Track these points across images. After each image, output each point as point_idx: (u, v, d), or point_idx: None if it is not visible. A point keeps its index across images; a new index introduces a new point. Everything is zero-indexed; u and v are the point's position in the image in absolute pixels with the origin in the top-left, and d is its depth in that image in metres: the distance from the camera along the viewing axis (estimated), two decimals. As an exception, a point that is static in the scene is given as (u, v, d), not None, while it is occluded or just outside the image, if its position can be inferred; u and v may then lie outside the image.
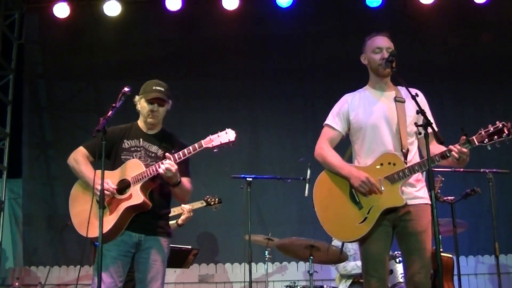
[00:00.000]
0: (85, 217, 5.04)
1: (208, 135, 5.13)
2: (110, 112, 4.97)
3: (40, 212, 10.25)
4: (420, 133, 4.57)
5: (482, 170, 7.21)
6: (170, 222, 6.37)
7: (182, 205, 7.26)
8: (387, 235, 4.90)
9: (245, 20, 10.32)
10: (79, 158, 5.39)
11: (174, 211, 7.19)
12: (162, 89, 5.42)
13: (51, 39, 10.79)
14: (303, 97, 9.84)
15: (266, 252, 7.67)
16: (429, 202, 4.84)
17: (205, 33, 10.43)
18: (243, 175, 7.43)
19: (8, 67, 10.54)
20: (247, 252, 7.21)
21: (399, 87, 5.14)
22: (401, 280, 6.90)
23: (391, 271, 6.78)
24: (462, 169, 6.91)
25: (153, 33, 10.60)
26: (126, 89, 5.05)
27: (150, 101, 5.37)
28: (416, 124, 4.58)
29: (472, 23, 9.99)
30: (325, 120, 5.27)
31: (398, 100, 5.02)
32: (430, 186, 4.36)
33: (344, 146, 5.34)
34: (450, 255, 7.08)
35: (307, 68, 10.00)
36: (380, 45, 5.06)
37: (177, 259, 7.48)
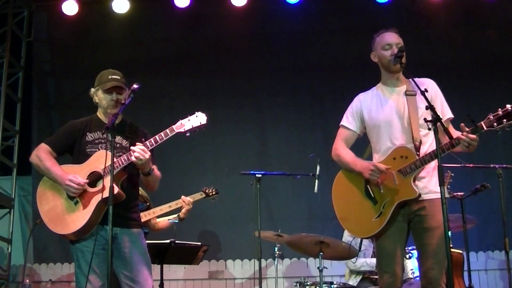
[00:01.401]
0: (56, 213, 5.05)
1: (178, 119, 5.13)
2: (119, 110, 4.99)
3: (50, 209, 10.24)
4: (429, 129, 4.57)
5: (491, 165, 7.21)
6: (172, 217, 6.39)
7: (182, 197, 7.25)
8: (402, 231, 4.96)
9: (253, 17, 10.31)
10: (42, 155, 5.31)
11: (176, 204, 7.22)
12: (118, 77, 5.41)
13: (60, 36, 10.79)
14: (311, 94, 9.82)
15: (276, 248, 7.66)
16: None
17: (213, 31, 10.42)
18: (252, 172, 7.44)
19: (17, 65, 10.57)
20: (256, 249, 7.21)
21: (410, 80, 5.14)
22: (411, 276, 6.89)
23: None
24: (471, 165, 6.91)
25: (161, 30, 10.60)
26: (135, 86, 5.05)
27: (108, 91, 5.35)
28: (425, 120, 4.59)
29: (480, 20, 9.96)
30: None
31: (409, 94, 5.08)
32: (440, 182, 4.38)
33: (361, 146, 5.36)
34: (460, 251, 7.07)
35: (315, 65, 9.98)
36: (390, 41, 5.09)
37: (187, 256, 7.50)
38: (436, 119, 4.46)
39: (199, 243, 7.56)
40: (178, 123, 5.11)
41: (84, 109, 10.28)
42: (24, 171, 10.47)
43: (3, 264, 9.91)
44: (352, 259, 7.50)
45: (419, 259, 4.94)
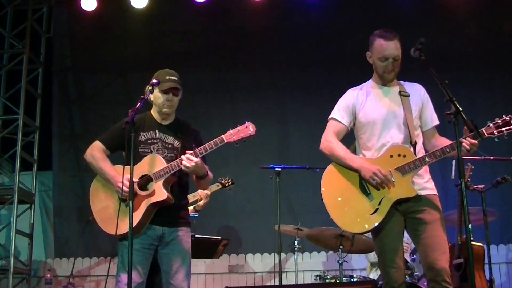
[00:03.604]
0: (108, 213, 5.11)
1: (229, 129, 5.15)
2: (139, 104, 5.01)
3: (70, 204, 10.32)
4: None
5: (512, 158, 7.17)
6: (190, 208, 6.41)
7: (199, 191, 7.25)
8: (400, 225, 4.95)
9: (273, 10, 10.29)
10: (96, 154, 5.40)
11: (193, 196, 7.23)
12: (176, 78, 5.42)
13: (79, 32, 10.84)
14: (331, 87, 9.75)
15: (296, 242, 7.68)
16: (437, 193, 4.99)
17: (232, 24, 10.43)
18: (272, 165, 7.44)
19: (37, 61, 10.61)
20: (276, 242, 7.22)
21: (401, 82, 5.21)
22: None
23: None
24: (492, 157, 6.88)
25: (180, 24, 10.61)
26: (154, 81, 5.14)
27: (165, 91, 5.35)
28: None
29: (501, 10, 9.86)
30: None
31: (403, 95, 5.09)
32: (460, 175, 4.38)
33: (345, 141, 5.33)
34: (481, 244, 7.03)
35: (336, 58, 9.94)
36: (387, 54, 5.03)
37: (207, 250, 7.51)
38: (456, 111, 4.45)
39: (219, 237, 7.57)
40: (228, 133, 5.13)
41: (104, 103, 10.49)
42: (44, 167, 10.54)
43: (24, 258, 9.97)
44: (371, 253, 7.50)
45: (420, 253, 4.88)
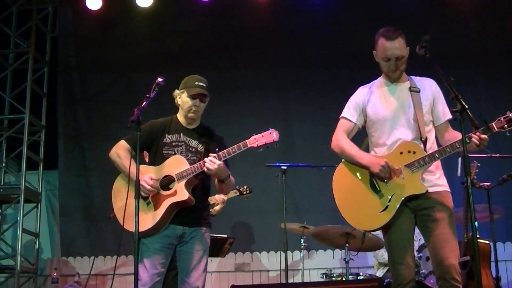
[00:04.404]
0: (128, 211, 5.12)
1: (253, 135, 5.23)
2: (145, 103, 5.05)
3: (76, 203, 10.34)
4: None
5: (519, 155, 7.16)
6: None
7: (216, 196, 7.28)
8: (410, 222, 4.95)
9: (277, 9, 10.29)
10: (121, 153, 5.46)
11: (210, 200, 7.23)
12: (204, 85, 5.51)
13: (84, 31, 10.85)
14: (336, 85, 9.75)
15: (302, 240, 7.69)
16: (449, 190, 4.98)
17: (236, 23, 10.43)
18: (277, 163, 7.45)
19: (42, 60, 10.62)
20: (283, 241, 7.22)
21: (412, 77, 5.20)
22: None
23: (428, 258, 6.74)
24: (498, 155, 6.87)
25: (185, 23, 10.62)
26: (159, 79, 5.15)
27: (192, 97, 5.45)
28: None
29: (505, 8, 9.83)
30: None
31: (413, 90, 5.08)
32: (466, 172, 4.40)
33: (358, 139, 5.33)
34: (487, 242, 7.03)
35: (340, 57, 9.93)
36: (389, 54, 5.03)
37: (213, 248, 7.47)
38: (462, 109, 4.45)
39: (225, 236, 7.58)
40: (252, 138, 5.22)
41: (109, 103, 10.51)
42: (50, 166, 10.56)
43: (31, 257, 9.99)
44: (379, 251, 7.50)
45: (430, 250, 4.90)
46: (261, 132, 5.24)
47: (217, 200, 7.38)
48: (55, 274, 9.10)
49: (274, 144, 5.23)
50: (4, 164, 10.33)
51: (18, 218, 9.67)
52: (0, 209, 10.40)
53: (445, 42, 9.36)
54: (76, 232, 10.18)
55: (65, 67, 10.84)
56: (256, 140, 5.20)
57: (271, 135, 5.22)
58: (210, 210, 7.25)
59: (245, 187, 7.72)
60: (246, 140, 5.22)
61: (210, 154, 5.21)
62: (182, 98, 5.51)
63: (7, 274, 9.79)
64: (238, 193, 7.68)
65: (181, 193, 5.22)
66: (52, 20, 10.79)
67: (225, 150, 5.23)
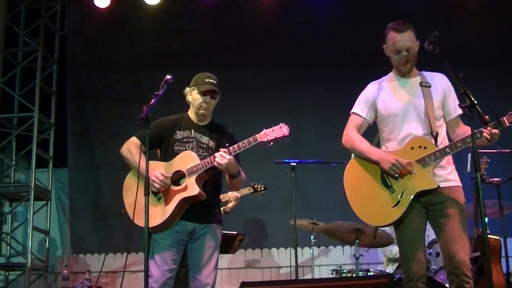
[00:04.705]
0: (140, 207, 5.13)
1: (262, 129, 5.23)
2: (153, 100, 5.04)
3: (85, 200, 10.37)
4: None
5: (528, 150, 7.12)
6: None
7: (229, 193, 7.28)
8: (421, 218, 4.94)
9: (283, 7, 10.28)
10: (132, 149, 5.50)
11: (222, 197, 7.23)
12: (214, 82, 5.56)
13: (92, 29, 10.87)
14: (344, 82, 9.72)
15: (312, 236, 7.68)
16: (461, 185, 4.97)
17: (244, 21, 10.41)
18: (286, 160, 7.46)
19: (51, 59, 10.65)
20: (292, 237, 7.22)
21: (423, 72, 5.19)
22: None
23: (438, 254, 6.74)
24: (507, 150, 6.84)
25: (192, 21, 10.61)
26: (168, 77, 5.14)
27: (203, 93, 5.49)
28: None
29: (510, 4, 9.78)
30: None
31: (424, 85, 5.07)
32: (475, 168, 4.40)
33: (369, 135, 5.33)
34: (497, 237, 7.00)
35: (348, 54, 9.90)
36: (399, 47, 5.02)
37: (223, 245, 7.42)
38: (471, 104, 4.44)
39: (235, 232, 7.58)
40: (262, 133, 5.23)
41: (118, 100, 10.52)
42: (60, 164, 10.60)
43: (41, 255, 10.02)
44: (387, 247, 7.49)
45: (441, 245, 4.88)
46: (271, 127, 5.24)
47: (230, 197, 7.37)
48: (65, 271, 9.13)
49: (285, 138, 5.24)
50: (14, 162, 10.37)
51: (28, 216, 9.72)
52: (11, 207, 10.43)
53: (447, 41, 9.30)
54: (86, 229, 10.21)
55: (73, 65, 10.85)
56: (266, 134, 5.20)
57: (281, 130, 5.23)
58: (224, 207, 7.28)
59: (260, 184, 7.69)
60: (256, 135, 5.23)
61: (221, 149, 5.23)
62: (193, 95, 5.55)
63: (18, 272, 9.84)
64: (252, 190, 7.65)
65: (191, 188, 5.24)
66: (61, 18, 10.81)
67: (235, 145, 5.24)
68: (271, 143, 5.24)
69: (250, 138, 5.23)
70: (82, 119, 10.73)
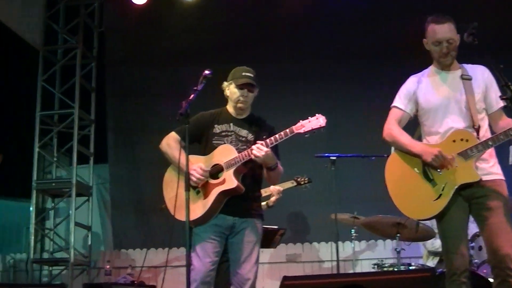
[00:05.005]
0: (180, 201, 5.17)
1: (299, 121, 5.21)
2: (192, 96, 5.06)
3: (126, 196, 10.46)
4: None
5: None
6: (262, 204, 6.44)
7: (272, 187, 7.27)
8: (464, 211, 4.88)
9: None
10: (171, 143, 5.53)
11: (265, 191, 7.21)
12: (252, 75, 5.54)
13: (130, 25, 10.89)
14: (382, 76, 9.61)
15: (353, 230, 7.65)
16: (504, 178, 4.91)
17: (280, 14, 10.34)
18: (326, 154, 7.43)
19: (90, 55, 10.74)
20: (333, 231, 7.19)
21: (464, 65, 5.14)
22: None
23: (480, 247, 6.66)
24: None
25: (229, 16, 10.57)
26: (206, 72, 5.14)
27: (240, 87, 5.50)
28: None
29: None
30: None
31: (465, 78, 5.02)
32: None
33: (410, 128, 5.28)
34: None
35: (386, 47, 9.76)
36: (440, 38, 4.98)
37: (264, 240, 7.45)
38: (512, 96, 4.39)
39: (276, 227, 7.56)
40: (299, 124, 5.21)
41: (157, 95, 10.55)
42: (100, 159, 10.70)
43: (83, 250, 10.12)
44: (428, 241, 7.42)
45: (485, 239, 4.83)
46: (308, 118, 5.22)
47: (272, 191, 7.36)
48: (107, 266, 9.19)
49: (321, 129, 5.21)
50: (55, 159, 10.50)
51: (70, 212, 9.84)
52: (53, 202, 10.57)
53: (485, 31, 9.15)
54: (127, 224, 10.30)
55: (112, 61, 10.92)
56: (303, 125, 5.18)
57: (318, 121, 5.19)
58: (267, 201, 7.28)
59: (304, 177, 7.66)
60: (293, 126, 5.21)
61: (258, 142, 5.22)
62: (231, 89, 5.57)
63: (61, 267, 9.97)
64: (295, 184, 7.62)
65: (229, 181, 5.24)
66: (99, 15, 10.89)
67: (272, 137, 5.22)
68: (307, 135, 5.21)
69: (287, 129, 5.21)
70: (122, 114, 10.80)
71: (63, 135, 10.49)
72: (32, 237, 9.97)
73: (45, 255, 10.42)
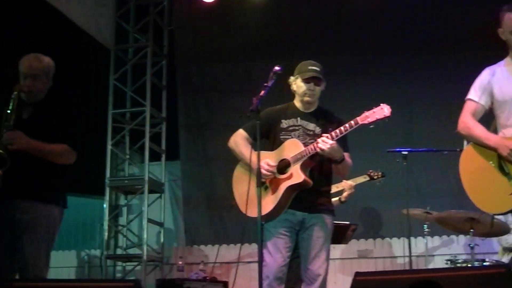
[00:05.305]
0: (248, 197, 5.20)
1: (364, 112, 5.15)
2: (263, 92, 5.08)
3: (199, 192, 10.55)
4: None
5: None
6: (333, 199, 6.43)
7: (344, 182, 7.24)
8: None
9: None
10: (239, 141, 5.58)
11: (336, 187, 7.19)
12: (318, 69, 5.51)
13: (200, 22, 10.95)
14: (455, 68, 9.49)
15: (425, 226, 7.56)
16: None
17: (351, 7, 10.23)
18: (398, 149, 7.37)
19: (160, 54, 10.84)
20: (405, 227, 7.12)
21: None
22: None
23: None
24: None
25: (299, 10, 10.53)
26: (276, 68, 5.14)
27: (306, 81, 5.49)
28: None
29: None
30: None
31: None
32: None
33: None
34: None
35: (461, 39, 9.58)
36: None
37: (336, 235, 7.43)
38: None
39: (348, 223, 7.52)
40: (363, 115, 5.15)
41: (227, 92, 10.60)
42: (172, 156, 10.80)
43: (156, 247, 10.25)
44: (503, 236, 7.28)
45: None
46: (372, 108, 5.16)
47: (344, 186, 7.34)
48: (180, 262, 9.28)
49: (386, 119, 5.12)
50: (127, 156, 10.65)
51: (143, 208, 9.95)
52: (126, 199, 10.72)
53: None
54: (199, 221, 10.38)
55: (182, 59, 11.00)
56: (368, 116, 5.12)
57: (382, 110, 5.12)
58: (339, 197, 7.25)
59: (378, 171, 7.60)
60: (358, 117, 5.15)
61: (323, 135, 5.19)
62: (297, 83, 5.56)
63: (135, 263, 10.11)
64: (368, 178, 7.58)
65: (296, 175, 5.24)
66: (168, 13, 10.99)
67: (337, 129, 5.17)
68: (372, 125, 5.14)
69: (351, 121, 5.16)
70: (193, 112, 10.88)
71: (135, 132, 10.62)
72: (106, 234, 10.11)
73: (119, 251, 10.57)
